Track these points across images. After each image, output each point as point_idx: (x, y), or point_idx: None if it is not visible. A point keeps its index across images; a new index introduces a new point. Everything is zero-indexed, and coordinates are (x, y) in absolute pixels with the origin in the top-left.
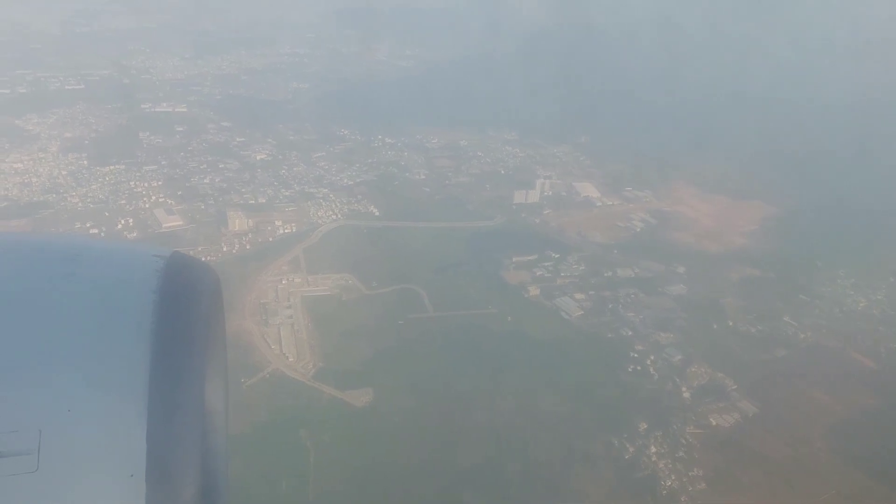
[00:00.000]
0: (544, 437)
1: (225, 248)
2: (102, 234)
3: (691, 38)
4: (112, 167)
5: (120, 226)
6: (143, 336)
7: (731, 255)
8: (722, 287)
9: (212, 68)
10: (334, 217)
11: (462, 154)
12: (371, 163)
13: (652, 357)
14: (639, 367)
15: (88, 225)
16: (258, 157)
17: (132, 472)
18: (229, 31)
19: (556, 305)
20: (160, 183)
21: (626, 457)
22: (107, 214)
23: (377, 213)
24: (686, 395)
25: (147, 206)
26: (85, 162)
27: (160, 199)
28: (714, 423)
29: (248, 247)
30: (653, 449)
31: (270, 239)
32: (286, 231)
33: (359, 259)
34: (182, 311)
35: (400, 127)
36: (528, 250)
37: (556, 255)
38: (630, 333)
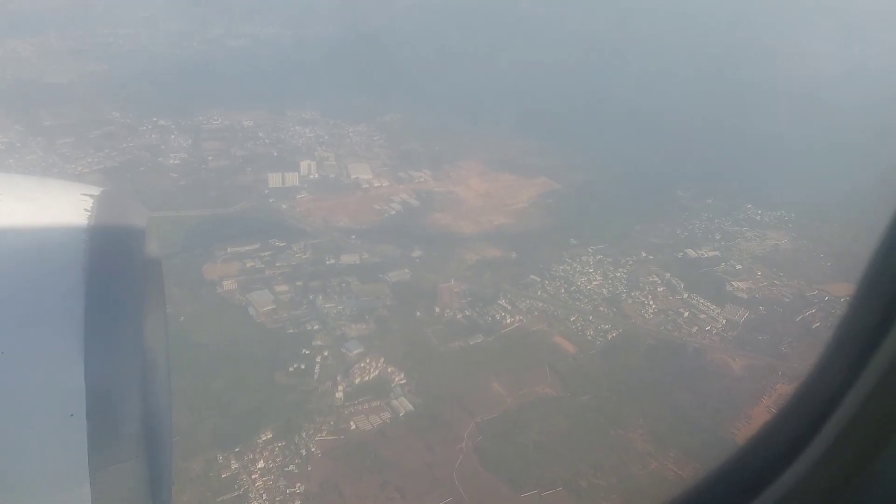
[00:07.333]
0: None
1: None
2: None
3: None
4: None
5: None
6: (76, 274)
7: (483, 235)
8: (451, 271)
9: (4, 51)
10: None
11: (240, 136)
12: (125, 147)
13: (326, 353)
14: (303, 366)
15: None
16: None
17: (72, 412)
18: (47, 10)
19: (247, 300)
20: None
21: (224, 475)
22: None
23: None
24: (339, 395)
25: None
26: None
27: None
28: (354, 426)
29: None
30: (260, 464)
31: None
32: None
33: None
34: (115, 249)
35: (184, 108)
36: (251, 239)
37: (282, 244)
38: (317, 327)
